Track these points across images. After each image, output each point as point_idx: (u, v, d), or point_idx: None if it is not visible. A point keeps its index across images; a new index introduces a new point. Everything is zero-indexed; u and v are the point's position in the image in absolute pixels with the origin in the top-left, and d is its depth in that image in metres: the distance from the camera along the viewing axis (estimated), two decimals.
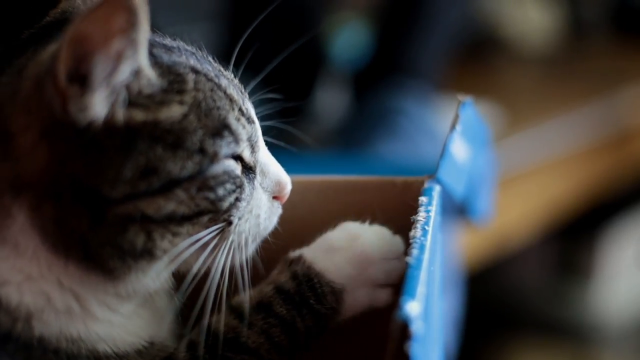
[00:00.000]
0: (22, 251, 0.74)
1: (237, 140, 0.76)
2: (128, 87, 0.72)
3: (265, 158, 0.81)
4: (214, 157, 0.74)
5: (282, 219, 0.84)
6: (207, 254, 0.76)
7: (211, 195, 0.74)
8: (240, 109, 0.77)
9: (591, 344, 2.55)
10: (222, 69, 0.81)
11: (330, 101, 2.17)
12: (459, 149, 0.91)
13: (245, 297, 0.80)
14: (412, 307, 0.66)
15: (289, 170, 0.95)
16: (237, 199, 0.76)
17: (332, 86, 2.19)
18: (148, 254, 0.73)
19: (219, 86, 0.77)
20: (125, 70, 0.71)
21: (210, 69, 0.78)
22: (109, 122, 0.71)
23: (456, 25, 2.20)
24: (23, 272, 0.74)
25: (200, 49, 0.81)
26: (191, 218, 0.74)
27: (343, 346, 0.92)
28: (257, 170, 0.79)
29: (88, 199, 0.71)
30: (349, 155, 1.92)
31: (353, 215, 0.87)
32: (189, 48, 0.80)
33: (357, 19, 2.40)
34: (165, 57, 0.75)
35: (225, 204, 0.75)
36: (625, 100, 2.46)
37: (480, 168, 1.08)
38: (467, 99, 0.91)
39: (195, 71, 0.76)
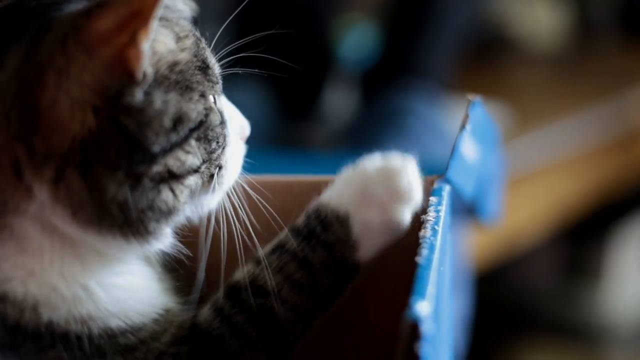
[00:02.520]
0: (27, 245, 0.74)
1: (216, 80, 0.80)
2: (154, 40, 0.74)
3: (225, 103, 0.83)
4: (208, 100, 0.77)
5: (292, 219, 0.84)
6: (203, 199, 0.80)
7: (210, 144, 0.77)
8: (208, 50, 0.81)
9: (600, 344, 2.54)
10: None
11: (339, 101, 2.17)
12: (469, 149, 0.91)
13: (264, 248, 0.83)
14: (422, 307, 0.66)
15: (298, 170, 0.95)
16: (225, 144, 0.80)
17: (341, 86, 2.19)
18: (175, 210, 0.76)
19: (193, 29, 0.80)
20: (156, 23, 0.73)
21: None
22: (151, 74, 0.73)
23: (465, 25, 2.20)
24: (25, 267, 0.74)
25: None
26: (199, 168, 0.77)
27: (352, 346, 0.92)
28: (226, 116, 0.81)
29: (127, 164, 0.72)
30: (358, 155, 1.91)
31: None
32: None
33: (366, 19, 2.40)
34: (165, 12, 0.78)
35: (219, 151, 0.79)
36: (634, 101, 2.46)
37: (490, 168, 1.08)
38: (476, 98, 0.91)
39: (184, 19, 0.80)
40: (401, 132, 1.92)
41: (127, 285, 0.80)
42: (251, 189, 0.85)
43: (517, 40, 2.83)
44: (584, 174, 2.32)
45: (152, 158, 0.73)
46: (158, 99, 0.73)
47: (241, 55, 0.85)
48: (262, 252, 0.82)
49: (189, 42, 0.77)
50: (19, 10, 0.77)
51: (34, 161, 0.72)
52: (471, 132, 0.89)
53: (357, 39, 2.33)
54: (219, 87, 0.81)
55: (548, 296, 2.64)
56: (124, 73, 0.71)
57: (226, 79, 0.84)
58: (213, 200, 0.81)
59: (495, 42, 2.80)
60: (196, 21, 0.83)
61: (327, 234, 0.81)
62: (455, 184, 0.87)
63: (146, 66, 0.72)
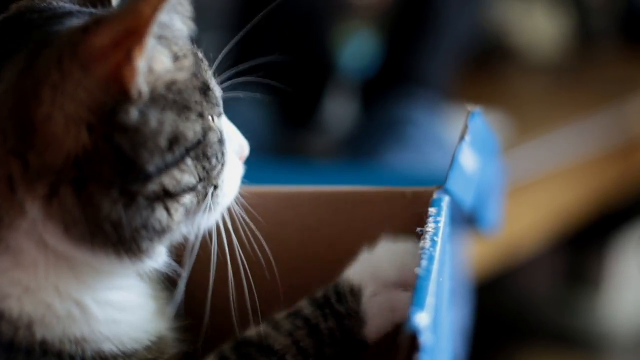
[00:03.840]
0: (23, 259, 0.74)
1: (216, 101, 0.79)
2: (151, 59, 0.73)
3: (226, 123, 0.82)
4: (207, 120, 0.77)
5: (292, 230, 0.84)
6: (199, 218, 0.79)
7: (208, 163, 0.76)
8: (209, 72, 0.80)
9: (600, 352, 2.54)
10: None
11: (339, 110, 2.18)
12: (468, 159, 0.91)
13: (282, 312, 0.84)
14: (421, 318, 0.66)
15: (297, 181, 0.95)
16: (223, 163, 0.79)
17: (341, 95, 2.20)
18: (169, 229, 0.75)
19: (194, 49, 0.79)
20: (152, 41, 0.72)
21: None
22: (146, 92, 0.72)
23: (465, 34, 2.20)
24: (21, 284, 0.74)
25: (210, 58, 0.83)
26: (195, 187, 0.76)
27: None
28: (225, 135, 0.81)
29: (121, 182, 0.71)
30: (358, 165, 1.92)
31: (361, 226, 0.88)
32: None
33: (366, 28, 2.40)
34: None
35: (216, 170, 0.78)
36: (634, 109, 2.46)
37: (489, 178, 1.08)
38: (475, 109, 0.91)
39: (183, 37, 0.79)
40: (401, 142, 1.93)
41: (122, 303, 0.79)
42: (250, 200, 0.85)
43: (517, 49, 2.83)
44: (584, 182, 2.32)
45: (147, 177, 0.72)
46: (153, 118, 0.72)
47: (240, 66, 0.85)
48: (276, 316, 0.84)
49: (187, 62, 0.76)
50: (19, 22, 0.76)
51: (27, 177, 0.71)
52: (470, 142, 0.89)
53: (357, 47, 2.33)
54: (219, 109, 0.80)
55: (548, 304, 2.64)
56: (119, 90, 0.70)
57: (224, 88, 0.83)
58: (209, 220, 0.80)
59: (495, 50, 2.81)
60: (196, 32, 0.83)
61: (340, 304, 0.83)
62: (454, 195, 0.87)
63: (141, 84, 0.71)
